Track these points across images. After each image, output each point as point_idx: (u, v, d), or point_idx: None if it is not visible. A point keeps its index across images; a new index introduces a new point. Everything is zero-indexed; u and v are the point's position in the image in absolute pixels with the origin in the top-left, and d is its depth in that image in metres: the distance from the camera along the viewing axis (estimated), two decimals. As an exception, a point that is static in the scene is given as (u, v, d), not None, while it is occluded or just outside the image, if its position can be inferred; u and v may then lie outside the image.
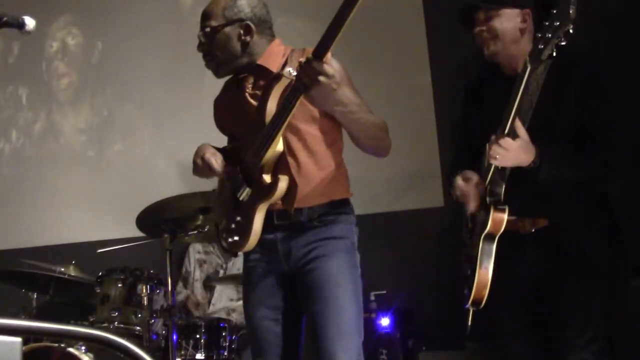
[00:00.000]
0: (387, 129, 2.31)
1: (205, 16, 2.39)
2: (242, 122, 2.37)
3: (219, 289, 4.01)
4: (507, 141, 2.22)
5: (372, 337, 3.74)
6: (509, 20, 2.45)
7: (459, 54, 4.02)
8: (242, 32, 2.35)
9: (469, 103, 2.70)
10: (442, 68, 4.28)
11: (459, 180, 2.45)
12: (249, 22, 2.35)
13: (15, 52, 5.21)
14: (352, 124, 2.23)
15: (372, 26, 4.25)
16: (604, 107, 2.44)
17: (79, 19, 5.16)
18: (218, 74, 2.44)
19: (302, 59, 2.06)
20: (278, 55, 2.37)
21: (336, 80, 2.04)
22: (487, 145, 2.31)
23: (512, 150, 2.23)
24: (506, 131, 2.22)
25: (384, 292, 3.97)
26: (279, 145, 2.24)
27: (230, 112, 2.47)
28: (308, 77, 2.03)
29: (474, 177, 2.43)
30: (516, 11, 2.45)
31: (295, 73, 2.16)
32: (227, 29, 2.35)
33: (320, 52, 2.01)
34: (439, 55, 4.31)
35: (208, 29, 2.36)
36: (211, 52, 2.38)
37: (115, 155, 4.97)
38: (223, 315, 3.85)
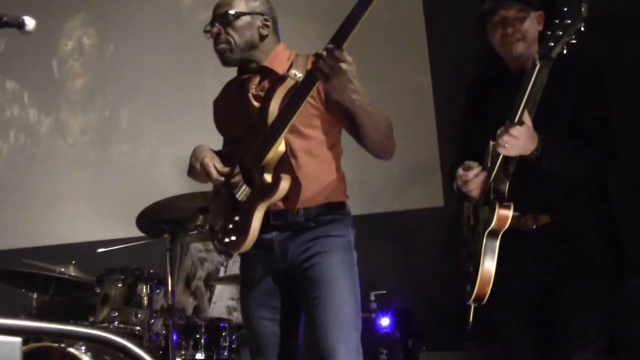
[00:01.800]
0: (392, 129, 2.30)
1: (226, 3, 2.38)
2: (243, 122, 2.36)
3: (219, 287, 4.02)
4: (517, 129, 2.22)
5: (372, 337, 3.73)
6: (533, 23, 2.47)
7: (459, 54, 4.02)
8: (261, 24, 2.38)
9: (471, 102, 2.70)
10: (442, 68, 4.28)
11: (460, 170, 2.45)
12: (268, 17, 2.39)
13: (2, 48, 5.20)
14: (366, 116, 2.18)
15: (372, 26, 4.25)
16: (604, 105, 2.45)
17: (86, 20, 5.16)
18: (227, 59, 2.40)
19: (319, 51, 2.03)
20: (283, 59, 2.38)
21: (355, 68, 2.04)
22: (491, 142, 2.31)
23: (520, 138, 2.24)
24: (516, 120, 2.22)
25: (384, 292, 3.96)
26: (281, 146, 2.23)
27: (232, 112, 2.46)
28: (328, 66, 2.01)
29: (475, 165, 2.42)
30: (537, 13, 2.48)
31: (300, 75, 2.16)
32: (250, 18, 2.37)
33: (340, 40, 2.00)
34: (439, 55, 4.30)
35: (232, 11, 2.34)
36: (226, 36, 2.36)
37: (116, 156, 4.98)
38: (224, 314, 3.85)
